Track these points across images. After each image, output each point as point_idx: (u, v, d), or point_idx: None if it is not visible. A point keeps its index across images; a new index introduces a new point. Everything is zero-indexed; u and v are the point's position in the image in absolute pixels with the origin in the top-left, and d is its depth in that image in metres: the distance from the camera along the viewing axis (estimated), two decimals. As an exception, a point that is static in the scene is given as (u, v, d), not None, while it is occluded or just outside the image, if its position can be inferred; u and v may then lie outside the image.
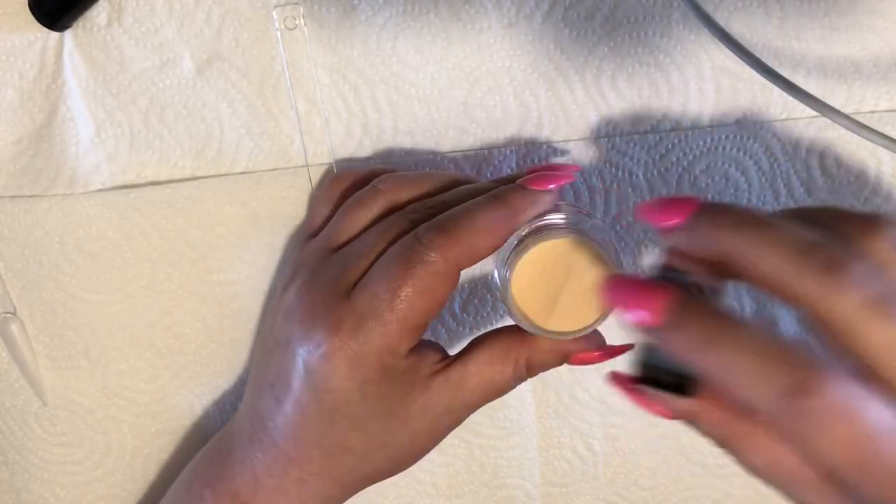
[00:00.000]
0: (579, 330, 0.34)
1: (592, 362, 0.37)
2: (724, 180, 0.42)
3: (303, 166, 0.43)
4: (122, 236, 0.44)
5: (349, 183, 0.40)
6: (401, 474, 0.39)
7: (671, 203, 0.29)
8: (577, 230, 0.34)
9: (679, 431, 0.46)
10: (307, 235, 0.41)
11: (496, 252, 0.36)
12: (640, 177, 0.43)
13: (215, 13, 0.41)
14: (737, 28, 0.40)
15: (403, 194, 0.38)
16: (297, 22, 0.41)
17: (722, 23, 0.39)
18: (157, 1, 0.40)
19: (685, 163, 0.42)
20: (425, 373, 0.36)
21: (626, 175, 0.43)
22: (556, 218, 0.35)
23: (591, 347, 0.36)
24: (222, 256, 0.44)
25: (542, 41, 0.41)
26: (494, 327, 0.38)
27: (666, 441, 0.46)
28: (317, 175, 0.43)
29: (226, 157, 0.43)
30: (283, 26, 0.41)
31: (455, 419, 0.37)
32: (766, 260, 0.26)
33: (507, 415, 0.46)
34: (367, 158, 0.43)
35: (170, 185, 0.43)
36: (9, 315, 0.45)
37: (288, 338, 0.36)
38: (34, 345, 0.45)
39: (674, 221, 0.29)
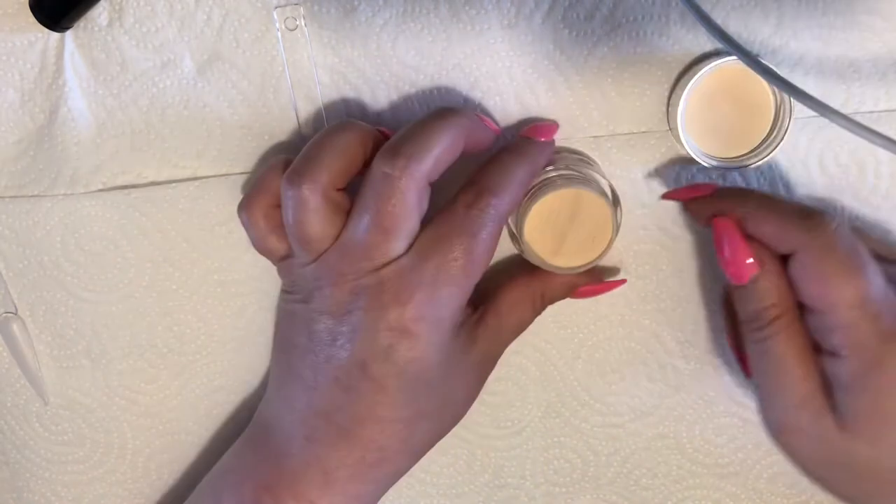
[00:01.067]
0: (584, 265, 0.39)
1: (594, 294, 0.42)
2: (721, 179, 0.42)
3: (303, 166, 0.43)
4: (122, 236, 0.44)
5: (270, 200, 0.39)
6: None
7: (697, 185, 0.40)
8: (580, 181, 0.39)
9: (679, 431, 0.46)
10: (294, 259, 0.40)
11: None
12: (640, 176, 0.43)
13: (216, 14, 0.41)
14: (734, 27, 0.40)
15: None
16: (297, 22, 0.41)
17: (720, 22, 0.39)
18: (158, 2, 0.41)
19: (685, 162, 0.42)
20: (470, 324, 0.39)
21: (626, 174, 0.43)
22: (561, 170, 0.40)
23: (594, 281, 0.42)
24: (223, 256, 0.44)
25: (542, 41, 0.41)
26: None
27: (666, 441, 0.46)
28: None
29: (227, 157, 0.43)
30: (283, 27, 0.41)
31: (494, 364, 0.41)
32: (763, 218, 0.36)
33: (508, 415, 0.46)
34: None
35: (171, 185, 0.43)
36: (10, 314, 0.45)
37: (348, 330, 0.37)
38: (35, 344, 0.45)
39: (697, 194, 0.39)
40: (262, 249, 0.40)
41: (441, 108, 0.39)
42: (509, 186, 0.37)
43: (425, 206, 0.37)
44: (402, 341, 0.36)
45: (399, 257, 0.37)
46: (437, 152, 0.36)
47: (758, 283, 0.36)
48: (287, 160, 0.39)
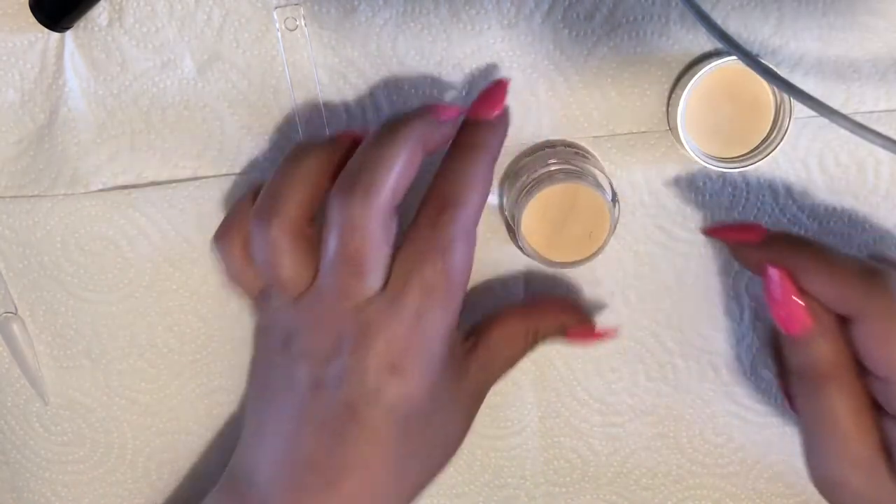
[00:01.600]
0: (581, 259, 0.39)
1: (585, 340, 0.42)
2: (721, 179, 0.43)
3: (303, 166, 0.43)
4: (123, 236, 0.44)
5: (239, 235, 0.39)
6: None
7: (745, 226, 0.38)
8: (578, 175, 0.38)
9: (679, 431, 0.46)
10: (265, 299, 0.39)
11: (506, 194, 0.40)
12: (640, 176, 0.43)
13: (216, 14, 0.41)
14: (734, 27, 0.40)
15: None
16: (297, 23, 0.41)
17: (719, 22, 0.39)
18: (158, 2, 0.41)
19: (685, 162, 0.43)
20: (461, 353, 0.38)
21: (626, 174, 0.43)
22: (559, 164, 0.40)
23: (586, 326, 0.41)
24: (223, 256, 0.44)
25: (542, 41, 0.41)
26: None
27: (666, 441, 0.46)
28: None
29: (226, 157, 0.43)
30: (283, 27, 0.41)
31: (482, 399, 0.40)
32: (819, 275, 0.34)
33: (508, 415, 0.46)
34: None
35: (171, 185, 0.43)
36: (10, 314, 0.45)
37: (333, 375, 0.35)
38: (35, 344, 0.45)
39: (748, 238, 0.37)
40: (237, 285, 0.39)
41: (389, 120, 0.37)
42: (470, 190, 0.36)
43: (394, 229, 0.36)
44: (391, 380, 0.35)
45: (376, 294, 0.35)
46: (394, 177, 0.35)
47: (812, 341, 0.34)
48: (258, 189, 0.38)
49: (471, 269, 0.36)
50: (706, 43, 0.41)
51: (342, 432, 0.35)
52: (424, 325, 0.35)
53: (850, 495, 0.34)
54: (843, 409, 0.34)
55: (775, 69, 0.38)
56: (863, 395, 0.34)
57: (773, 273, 0.34)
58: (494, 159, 0.37)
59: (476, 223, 0.36)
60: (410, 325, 0.35)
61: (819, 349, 0.34)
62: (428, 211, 0.36)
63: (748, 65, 0.36)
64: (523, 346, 0.40)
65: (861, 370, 0.34)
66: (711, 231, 0.40)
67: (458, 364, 0.37)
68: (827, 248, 0.35)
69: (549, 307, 0.42)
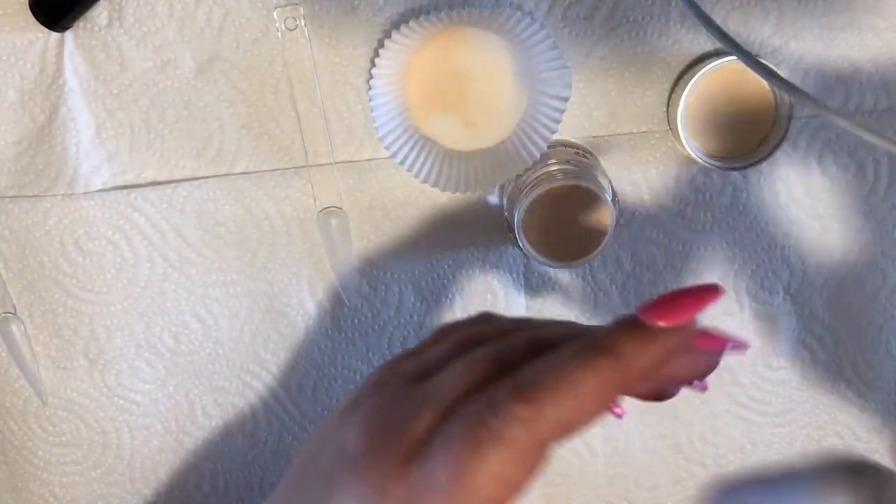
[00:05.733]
0: (581, 260, 0.39)
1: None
2: (721, 179, 0.43)
3: (303, 166, 0.43)
4: (121, 236, 0.44)
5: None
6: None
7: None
8: (578, 175, 0.38)
9: (679, 431, 0.46)
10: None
11: (506, 194, 0.39)
12: (640, 176, 0.43)
13: (216, 14, 0.41)
14: (734, 27, 0.40)
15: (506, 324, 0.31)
16: (297, 22, 0.41)
17: (719, 22, 0.39)
18: (158, 2, 0.41)
19: (685, 162, 0.43)
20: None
21: (626, 174, 0.43)
22: (560, 164, 0.40)
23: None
24: (222, 256, 0.44)
25: (541, 42, 0.41)
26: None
27: (666, 441, 0.46)
28: (317, 175, 0.43)
29: (226, 157, 0.43)
30: (283, 27, 0.41)
31: None
32: None
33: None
34: (368, 160, 0.43)
35: (170, 185, 0.43)
36: (9, 315, 0.45)
37: (333, 475, 0.29)
38: (34, 344, 0.45)
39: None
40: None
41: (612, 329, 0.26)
42: (559, 397, 0.25)
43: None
44: None
45: None
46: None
47: None
48: None
49: (509, 495, 0.26)
50: (706, 43, 0.41)
51: None
52: None
53: None
54: None
55: (775, 69, 0.38)
56: None
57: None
58: (619, 389, 0.25)
59: (544, 447, 0.25)
60: (400, 499, 0.26)
61: None
62: (500, 391, 0.26)
63: (748, 64, 0.36)
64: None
65: None
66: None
67: None
68: None
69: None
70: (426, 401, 0.27)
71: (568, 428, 0.25)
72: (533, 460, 0.25)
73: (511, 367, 0.27)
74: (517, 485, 0.25)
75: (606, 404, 0.25)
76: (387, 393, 0.29)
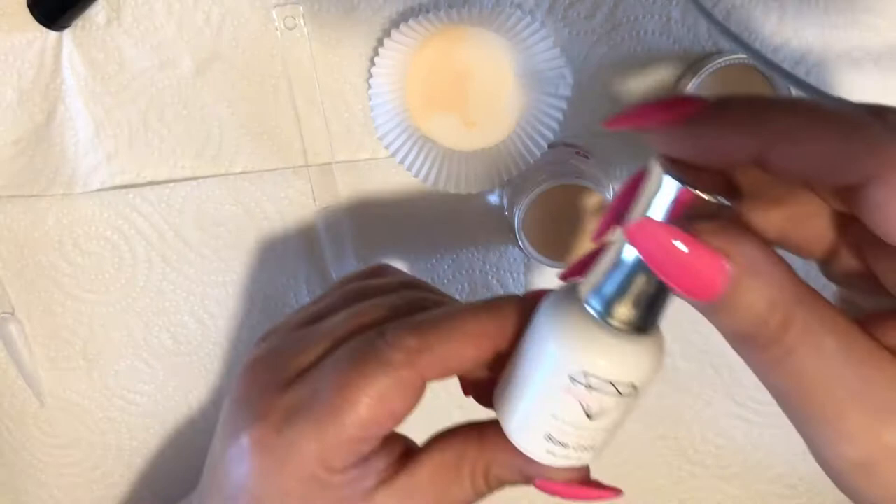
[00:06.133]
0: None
1: (554, 494, 0.29)
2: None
3: (303, 166, 0.43)
4: (120, 236, 0.44)
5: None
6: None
7: (669, 102, 0.23)
8: (578, 175, 0.38)
9: (679, 432, 0.46)
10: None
11: (506, 194, 0.39)
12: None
13: (215, 13, 0.41)
14: (735, 26, 0.40)
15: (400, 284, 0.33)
16: (296, 22, 0.41)
17: (721, 20, 0.39)
18: (157, 1, 0.40)
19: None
20: (369, 484, 0.28)
21: (627, 174, 0.43)
22: (559, 163, 0.40)
23: (554, 479, 0.28)
24: (221, 257, 0.44)
25: (541, 41, 0.41)
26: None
27: (666, 441, 0.46)
28: (317, 175, 0.43)
29: (225, 156, 0.43)
30: (282, 26, 0.41)
31: None
32: (813, 139, 0.21)
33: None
34: (368, 159, 0.43)
35: (169, 184, 0.43)
36: (7, 315, 0.45)
37: (223, 415, 0.31)
38: (32, 345, 0.45)
39: (669, 118, 0.23)
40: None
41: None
42: (445, 336, 0.28)
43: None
44: (238, 462, 0.29)
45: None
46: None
47: (739, 292, 0.23)
48: None
49: (388, 422, 0.27)
50: (707, 42, 0.41)
51: (206, 483, 0.32)
52: (292, 431, 0.28)
53: (888, 463, 0.21)
54: (831, 352, 0.22)
55: (779, 64, 0.38)
56: (845, 320, 0.22)
57: (640, 226, 0.23)
58: (500, 341, 0.28)
59: (423, 380, 0.27)
60: (279, 417, 0.28)
61: (756, 297, 0.22)
62: (393, 322, 0.28)
63: (752, 58, 0.36)
64: (466, 487, 0.29)
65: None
66: (615, 122, 0.24)
67: (346, 496, 0.28)
68: (802, 99, 0.22)
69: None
70: (315, 339, 0.29)
71: (447, 368, 0.27)
72: (413, 393, 0.27)
73: (401, 316, 0.29)
74: (395, 413, 0.27)
75: (486, 351, 0.27)
76: (272, 340, 0.32)
